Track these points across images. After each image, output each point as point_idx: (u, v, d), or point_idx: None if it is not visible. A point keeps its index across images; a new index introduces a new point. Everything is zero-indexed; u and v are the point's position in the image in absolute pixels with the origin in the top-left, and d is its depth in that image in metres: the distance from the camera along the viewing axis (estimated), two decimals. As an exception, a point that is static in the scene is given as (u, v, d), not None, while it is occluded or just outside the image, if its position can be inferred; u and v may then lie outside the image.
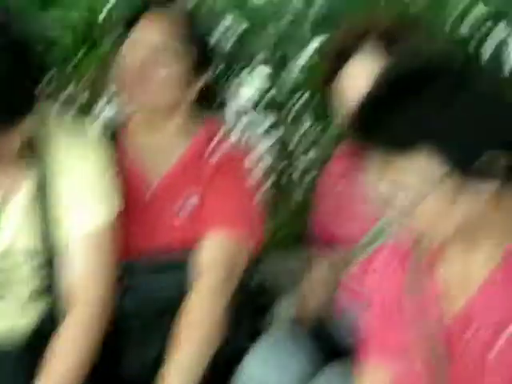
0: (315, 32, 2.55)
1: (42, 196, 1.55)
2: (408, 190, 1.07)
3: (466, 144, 1.06)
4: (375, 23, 1.52)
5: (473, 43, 2.51)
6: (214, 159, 1.73)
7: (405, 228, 1.13)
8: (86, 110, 2.61)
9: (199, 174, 1.72)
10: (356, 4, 2.40)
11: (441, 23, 2.46)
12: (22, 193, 1.55)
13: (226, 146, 1.75)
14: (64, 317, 1.57)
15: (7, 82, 1.33)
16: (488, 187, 1.08)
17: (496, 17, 2.50)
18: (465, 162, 1.06)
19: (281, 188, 3.21)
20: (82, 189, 1.57)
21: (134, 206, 1.71)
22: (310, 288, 1.77)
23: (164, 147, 1.76)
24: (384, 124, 1.07)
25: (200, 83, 1.75)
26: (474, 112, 1.06)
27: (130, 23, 1.73)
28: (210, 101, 1.84)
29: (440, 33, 2.38)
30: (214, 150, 1.74)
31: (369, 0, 2.44)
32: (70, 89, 2.51)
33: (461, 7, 2.52)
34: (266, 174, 3.27)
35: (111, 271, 1.62)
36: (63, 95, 2.54)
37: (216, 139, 1.75)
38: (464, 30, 2.53)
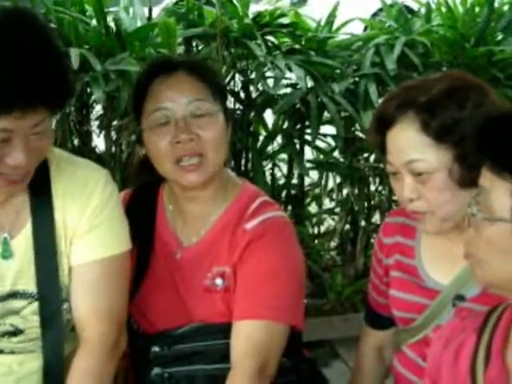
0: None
1: (44, 234, 1.46)
2: None
3: None
4: (417, 95, 1.47)
5: None
6: (250, 227, 1.61)
7: None
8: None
9: (234, 242, 1.61)
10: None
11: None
12: (26, 229, 1.48)
13: (265, 213, 1.62)
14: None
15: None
16: None
17: None
18: None
19: (345, 251, 3.13)
20: (90, 222, 1.49)
21: (162, 267, 1.66)
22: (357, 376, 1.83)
23: (198, 211, 1.67)
24: None
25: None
26: None
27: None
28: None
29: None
30: (250, 217, 1.62)
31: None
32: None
33: None
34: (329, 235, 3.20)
35: (120, 308, 1.53)
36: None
37: (254, 206, 1.63)
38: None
